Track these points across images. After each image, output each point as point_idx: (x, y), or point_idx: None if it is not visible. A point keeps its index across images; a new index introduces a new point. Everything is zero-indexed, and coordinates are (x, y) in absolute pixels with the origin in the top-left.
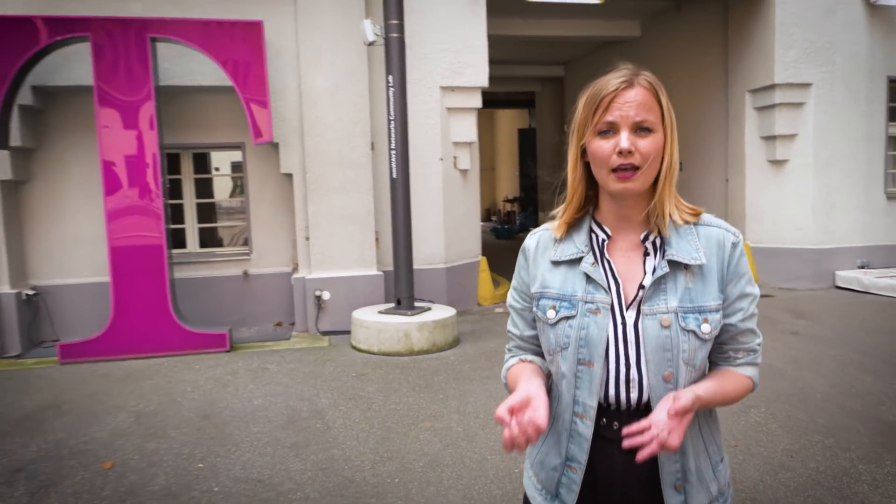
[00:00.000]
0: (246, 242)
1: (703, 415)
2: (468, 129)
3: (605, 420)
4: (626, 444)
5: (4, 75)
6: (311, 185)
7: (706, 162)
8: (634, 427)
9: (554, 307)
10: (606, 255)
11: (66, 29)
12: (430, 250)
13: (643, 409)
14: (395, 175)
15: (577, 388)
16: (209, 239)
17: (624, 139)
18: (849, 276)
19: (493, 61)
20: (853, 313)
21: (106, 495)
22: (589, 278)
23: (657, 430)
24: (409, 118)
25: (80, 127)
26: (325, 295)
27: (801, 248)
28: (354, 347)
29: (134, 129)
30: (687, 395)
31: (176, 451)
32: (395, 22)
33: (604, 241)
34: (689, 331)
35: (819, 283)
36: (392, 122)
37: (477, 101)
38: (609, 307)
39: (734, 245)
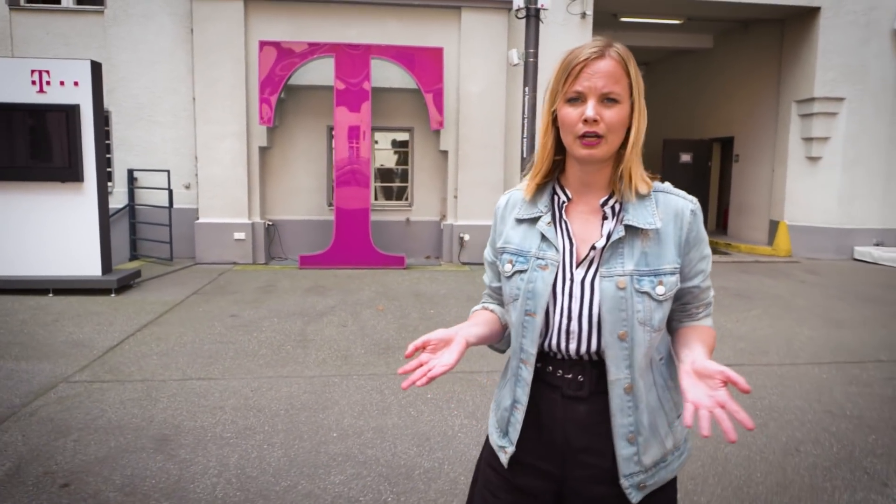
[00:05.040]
0: (407, 197)
1: (659, 372)
2: None
3: (550, 368)
4: (703, 433)
5: (281, 79)
6: (461, 160)
7: (758, 155)
8: (687, 415)
9: (511, 261)
10: (564, 217)
11: (321, 51)
12: None
13: (587, 359)
14: (525, 156)
15: (522, 337)
16: (380, 194)
17: (590, 108)
18: (863, 250)
19: None
20: (855, 274)
21: (389, 319)
22: (543, 237)
23: (708, 402)
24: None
25: (305, 111)
26: (466, 237)
27: (827, 227)
28: None
29: (357, 113)
30: (702, 360)
31: (412, 306)
32: (532, 50)
33: (564, 203)
34: (643, 292)
35: (840, 255)
36: (525, 119)
37: None
38: (557, 265)
39: (693, 213)
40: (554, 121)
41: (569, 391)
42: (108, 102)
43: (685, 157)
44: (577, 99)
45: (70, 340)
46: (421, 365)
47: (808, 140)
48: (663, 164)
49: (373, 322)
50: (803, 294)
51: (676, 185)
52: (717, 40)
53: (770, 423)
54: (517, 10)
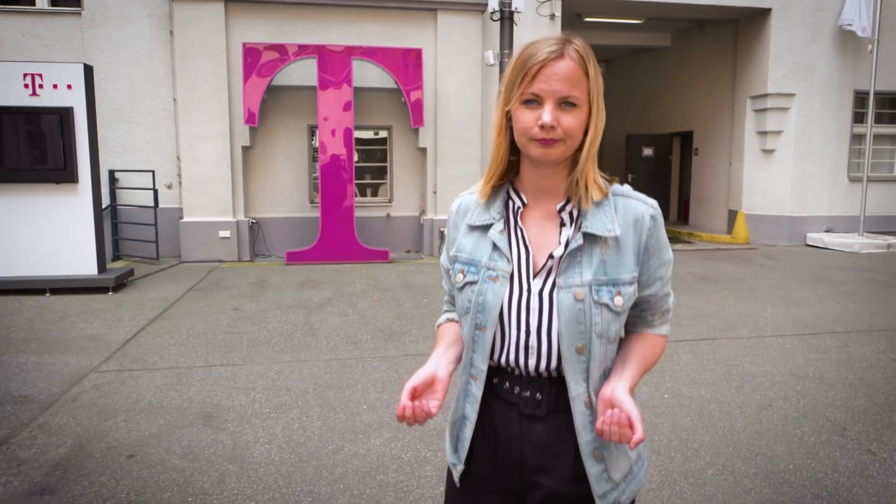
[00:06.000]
0: (387, 194)
1: None
2: None
3: (507, 384)
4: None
5: (265, 80)
6: (439, 156)
7: (717, 149)
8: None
9: (463, 271)
10: (519, 223)
11: (304, 52)
12: None
13: (546, 377)
14: None
15: (473, 352)
16: (361, 190)
17: (547, 114)
18: (815, 236)
19: None
20: (809, 258)
21: (386, 308)
22: (495, 245)
23: (612, 419)
24: None
25: (286, 111)
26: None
27: (782, 216)
28: None
29: (339, 113)
30: (621, 393)
31: (405, 296)
32: (507, 51)
33: (519, 208)
34: (602, 304)
35: (794, 241)
36: None
37: None
38: (509, 276)
39: (653, 218)
40: (509, 120)
41: (526, 409)
42: None
43: (647, 151)
44: (534, 101)
45: (84, 335)
46: (413, 411)
47: (763, 133)
48: (627, 158)
49: (371, 311)
50: (763, 277)
51: (640, 177)
52: (675, 39)
53: (745, 385)
54: (492, 13)
